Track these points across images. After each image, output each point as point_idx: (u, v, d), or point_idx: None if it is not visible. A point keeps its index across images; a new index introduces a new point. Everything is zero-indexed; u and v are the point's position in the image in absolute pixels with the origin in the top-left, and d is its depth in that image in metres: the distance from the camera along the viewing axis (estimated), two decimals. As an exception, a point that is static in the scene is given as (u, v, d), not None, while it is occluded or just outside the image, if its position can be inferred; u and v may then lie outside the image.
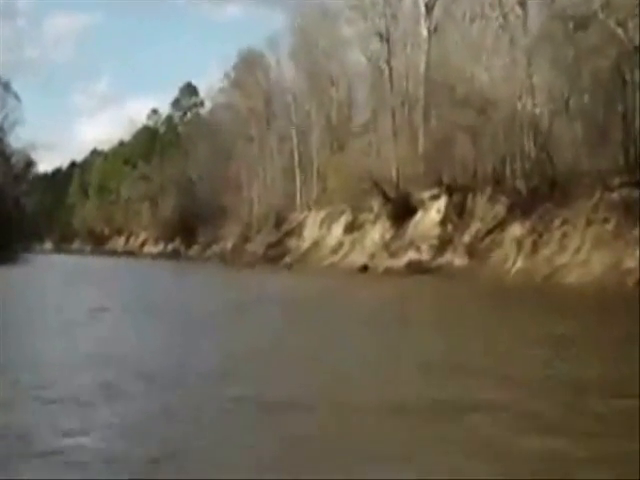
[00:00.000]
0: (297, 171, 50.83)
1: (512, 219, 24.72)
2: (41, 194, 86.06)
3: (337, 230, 41.09)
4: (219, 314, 14.91)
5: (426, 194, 32.27)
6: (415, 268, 27.68)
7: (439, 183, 31.68)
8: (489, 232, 25.46)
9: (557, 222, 22.40)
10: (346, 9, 46.75)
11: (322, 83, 50.51)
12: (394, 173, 34.43)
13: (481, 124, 27.83)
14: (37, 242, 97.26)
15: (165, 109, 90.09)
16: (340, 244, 38.88)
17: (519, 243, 23.49)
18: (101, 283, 26.20)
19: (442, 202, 30.78)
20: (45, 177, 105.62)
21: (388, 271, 29.27)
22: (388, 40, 35.94)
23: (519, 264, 22.78)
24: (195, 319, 13.98)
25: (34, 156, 60.87)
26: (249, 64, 56.81)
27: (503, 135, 26.86)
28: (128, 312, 15.37)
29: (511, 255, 23.65)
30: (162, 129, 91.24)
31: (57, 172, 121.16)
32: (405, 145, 34.95)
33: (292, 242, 46.25)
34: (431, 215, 31.48)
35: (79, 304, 16.73)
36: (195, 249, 66.56)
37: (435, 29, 36.24)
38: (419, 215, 32.49)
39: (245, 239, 53.72)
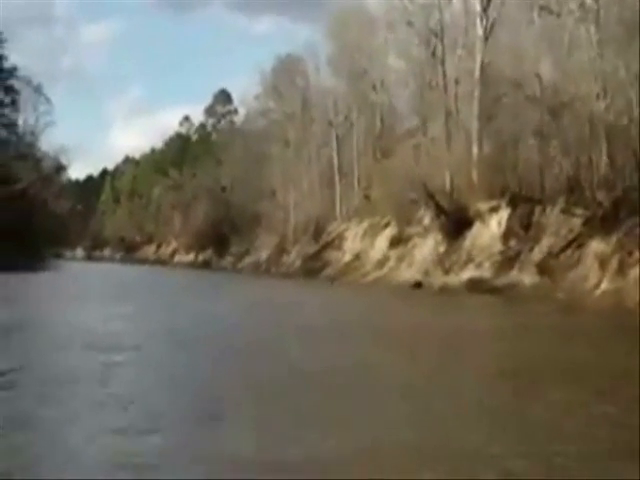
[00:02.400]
0: (337, 178, 48.22)
1: (592, 234, 21.78)
2: (73, 201, 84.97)
3: (381, 243, 38.36)
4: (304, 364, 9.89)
5: (484, 205, 29.42)
6: (476, 286, 24.83)
7: (499, 193, 28.86)
8: (564, 248, 22.53)
9: (650, 238, 19.43)
10: (388, 12, 45.05)
11: (363, 87, 48.08)
12: (447, 182, 31.66)
13: (551, 126, 25.01)
14: (68, 249, 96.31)
15: (198, 118, 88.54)
16: (386, 258, 36.12)
17: (602, 261, 20.55)
18: (128, 297, 23.49)
19: (503, 214, 27.91)
20: (77, 184, 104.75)
21: (444, 289, 26.46)
22: (442, 39, 33.13)
23: (605, 285, 19.84)
24: (271, 372, 9.41)
25: (65, 161, 59.14)
26: (287, 68, 54.53)
27: (577, 138, 23.97)
28: (158, 352, 11.18)
29: (593, 275, 20.71)
30: (194, 137, 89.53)
31: (89, 179, 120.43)
32: (459, 152, 32.16)
33: (332, 254, 43.58)
34: (490, 229, 28.61)
35: (88, 335, 12.63)
36: (228, 259, 64.30)
37: (492, 27, 33.48)
38: (476, 228, 29.64)
39: (281, 250, 51.19)
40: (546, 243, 23.54)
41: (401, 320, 16.18)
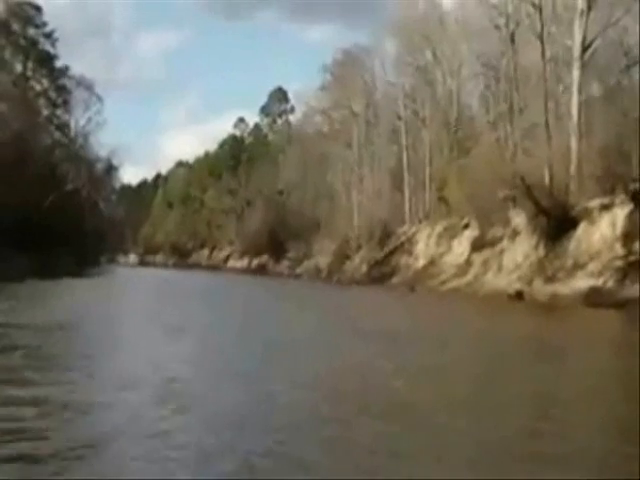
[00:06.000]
0: (406, 178, 44.26)
1: None
2: (127, 206, 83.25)
3: (461, 247, 34.33)
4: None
5: (593, 203, 25.19)
6: (596, 299, 20.63)
7: (611, 188, 24.60)
8: None
9: None
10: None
11: (433, 79, 44.22)
12: (546, 177, 27.47)
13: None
14: (122, 254, 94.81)
15: (253, 120, 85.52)
16: (468, 264, 32.08)
17: None
18: (184, 321, 16.26)
19: (619, 212, 23.64)
20: (130, 189, 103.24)
21: (554, 301, 22.32)
22: (541, 10, 28.95)
23: None
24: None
25: (116, 162, 56.95)
26: (351, 61, 50.90)
27: None
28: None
29: None
30: (249, 139, 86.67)
31: (143, 184, 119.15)
32: (559, 142, 27.95)
33: (402, 260, 39.68)
34: (601, 229, 24.37)
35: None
36: (284, 265, 61.00)
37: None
38: (581, 229, 25.42)
39: (343, 255, 47.46)
40: (689, 246, 19.26)
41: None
